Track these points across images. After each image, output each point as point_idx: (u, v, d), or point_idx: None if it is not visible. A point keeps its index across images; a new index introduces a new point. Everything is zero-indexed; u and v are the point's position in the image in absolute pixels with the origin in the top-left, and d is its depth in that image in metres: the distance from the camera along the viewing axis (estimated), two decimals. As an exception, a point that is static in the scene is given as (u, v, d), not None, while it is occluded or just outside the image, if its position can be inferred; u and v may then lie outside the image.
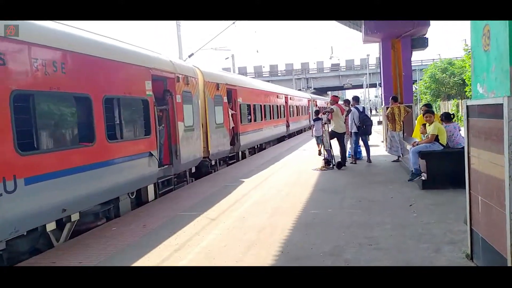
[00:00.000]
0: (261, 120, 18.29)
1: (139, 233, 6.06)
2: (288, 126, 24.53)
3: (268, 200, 7.73)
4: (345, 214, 6.41)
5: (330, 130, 11.51)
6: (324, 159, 11.47)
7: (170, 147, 9.34)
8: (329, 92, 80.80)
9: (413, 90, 20.82)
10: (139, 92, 7.93)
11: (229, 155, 13.40)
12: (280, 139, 22.70)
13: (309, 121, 26.99)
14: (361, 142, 12.27)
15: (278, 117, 22.11)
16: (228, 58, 40.15)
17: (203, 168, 11.67)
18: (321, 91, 74.49)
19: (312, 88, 68.28)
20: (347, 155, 11.69)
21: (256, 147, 17.57)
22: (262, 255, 4.83)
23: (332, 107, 11.43)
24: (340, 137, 11.43)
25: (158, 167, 8.54)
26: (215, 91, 12.38)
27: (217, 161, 12.64)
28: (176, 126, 9.40)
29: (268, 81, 54.01)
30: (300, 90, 55.04)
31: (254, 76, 70.21)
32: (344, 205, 7.05)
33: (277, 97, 22.46)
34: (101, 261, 4.94)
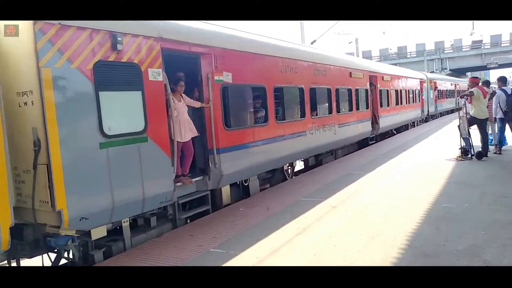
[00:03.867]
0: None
1: (263, 214, 6.40)
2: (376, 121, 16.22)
3: (394, 190, 7.33)
4: (485, 211, 5.70)
5: (469, 115, 10.26)
6: (461, 148, 10.31)
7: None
8: (468, 73, 71.70)
9: None
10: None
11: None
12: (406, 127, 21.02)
13: (421, 110, 23.23)
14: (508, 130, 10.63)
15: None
16: (351, 42, 38.83)
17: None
18: (458, 73, 66.50)
19: (448, 69, 61.40)
20: (489, 143, 10.28)
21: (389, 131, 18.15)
22: (386, 246, 4.64)
23: (472, 90, 10.14)
24: (481, 124, 10.10)
25: None
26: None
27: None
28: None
29: (395, 64, 50.51)
30: (433, 72, 50.12)
31: (379, 59, 66.34)
32: (485, 201, 6.26)
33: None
34: (230, 237, 5.40)
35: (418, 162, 10.08)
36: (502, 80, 11.01)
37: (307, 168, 10.95)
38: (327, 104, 11.12)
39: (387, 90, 16.75)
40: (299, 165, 11.07)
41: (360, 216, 5.93)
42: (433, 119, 26.72)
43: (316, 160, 11.15)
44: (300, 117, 9.56)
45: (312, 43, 19.66)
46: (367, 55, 66.73)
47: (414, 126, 21.82)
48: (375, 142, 15.45)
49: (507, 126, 10.45)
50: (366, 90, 14.20)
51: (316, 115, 10.38)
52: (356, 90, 13.13)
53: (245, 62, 7.69)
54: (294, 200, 7.14)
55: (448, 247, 4.47)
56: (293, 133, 9.15)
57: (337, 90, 11.52)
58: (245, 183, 7.84)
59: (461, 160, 9.85)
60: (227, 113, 7.07)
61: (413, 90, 21.28)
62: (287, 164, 9.59)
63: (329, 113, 11.11)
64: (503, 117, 10.27)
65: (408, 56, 69.39)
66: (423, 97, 23.77)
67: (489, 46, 65.37)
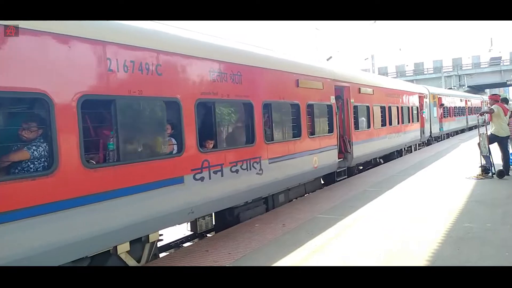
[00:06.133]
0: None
1: (279, 231, 6.35)
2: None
3: (412, 208, 7.19)
4: (508, 232, 5.53)
5: (489, 133, 10.07)
6: (481, 166, 10.08)
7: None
8: (487, 90, 70.60)
9: None
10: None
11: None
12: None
13: (421, 132, 18.93)
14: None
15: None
16: (367, 58, 38.86)
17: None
18: (476, 89, 65.57)
19: (466, 86, 60.63)
20: (510, 162, 10.04)
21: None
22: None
23: (492, 107, 9.97)
24: (502, 142, 9.89)
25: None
26: None
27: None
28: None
29: (412, 80, 50.11)
30: (450, 88, 49.52)
31: (395, 76, 66.00)
32: (507, 221, 6.08)
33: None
34: (247, 254, 5.35)
35: (437, 180, 9.88)
36: (524, 97, 10.79)
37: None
38: (245, 129, 7.02)
39: (367, 107, 12.47)
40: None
41: (377, 234, 5.82)
42: (438, 141, 22.84)
43: (232, 215, 7.04)
44: (176, 153, 5.51)
45: (328, 59, 19.70)
46: (383, 72, 66.46)
47: (412, 151, 18.03)
48: (346, 177, 11.02)
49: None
50: (329, 106, 9.92)
51: (215, 146, 6.25)
52: (310, 106, 8.93)
53: None
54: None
55: (470, 269, 4.33)
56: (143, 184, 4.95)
57: (267, 106, 7.45)
58: None
59: (482, 179, 9.62)
60: None
61: (409, 107, 17.08)
62: None
63: (249, 143, 6.95)
64: (525, 135, 10.05)
65: (425, 72, 68.88)
66: (423, 116, 19.53)
67: (508, 63, 64.41)
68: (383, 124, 13.79)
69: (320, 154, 9.30)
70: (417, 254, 4.85)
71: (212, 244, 5.93)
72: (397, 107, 15.43)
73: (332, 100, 10.15)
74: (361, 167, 13.05)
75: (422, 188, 9.07)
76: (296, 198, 9.02)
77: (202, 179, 5.83)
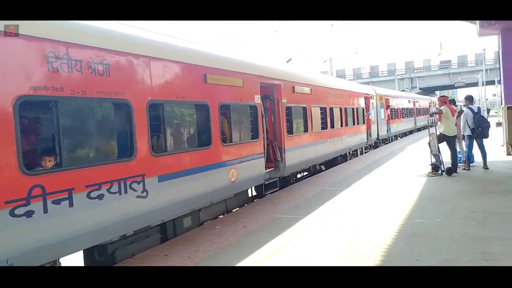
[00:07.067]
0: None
1: (240, 233, 6.35)
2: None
3: (367, 207, 7.44)
4: (456, 226, 5.86)
5: (438, 133, 10.63)
6: (432, 164, 10.62)
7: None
8: (437, 92, 74.49)
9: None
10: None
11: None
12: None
13: (367, 134, 17.86)
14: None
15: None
16: (326, 61, 39.84)
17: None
18: (427, 91, 69.02)
19: (418, 88, 63.69)
20: (458, 160, 10.66)
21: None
22: (364, 265, 4.67)
23: (441, 108, 10.55)
24: (451, 141, 10.48)
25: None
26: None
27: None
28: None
29: (368, 83, 51.92)
30: (403, 90, 51.74)
31: (352, 78, 68.12)
32: (455, 215, 6.44)
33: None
34: (208, 256, 5.31)
35: (391, 179, 10.29)
36: (469, 99, 11.49)
37: None
38: (118, 137, 5.26)
39: (304, 108, 11.06)
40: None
41: (335, 234, 5.97)
42: (386, 143, 22.16)
43: (104, 255, 5.37)
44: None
45: (288, 61, 19.90)
46: (341, 74, 68.45)
47: (357, 155, 16.88)
48: (278, 190, 9.65)
49: (474, 143, 10.88)
50: (253, 107, 8.42)
51: (59, 164, 4.49)
52: (224, 107, 7.51)
53: None
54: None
55: (421, 263, 4.54)
56: None
57: (157, 106, 5.86)
58: None
59: (432, 176, 10.13)
60: None
61: (354, 108, 16.01)
62: None
63: (125, 157, 5.27)
64: (471, 134, 10.70)
65: (380, 75, 71.67)
66: (370, 117, 18.58)
67: (456, 66, 68.41)
68: (324, 127, 12.55)
69: (240, 165, 7.78)
70: (371, 251, 5.02)
71: (171, 248, 5.83)
72: (340, 108, 14.29)
73: (257, 100, 8.54)
74: (301, 175, 12.14)
75: (377, 186, 9.41)
76: (215, 218, 7.49)
77: (28, 214, 4.07)
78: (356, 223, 6.41)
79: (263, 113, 8.95)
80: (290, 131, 10.10)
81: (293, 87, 10.46)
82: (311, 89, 11.59)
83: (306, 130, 11.14)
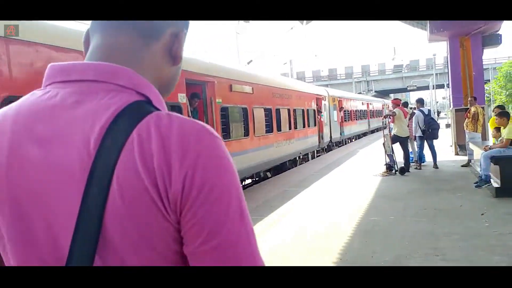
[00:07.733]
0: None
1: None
2: None
3: (325, 206, 7.61)
4: (408, 223, 6.12)
5: (392, 134, 11.08)
6: (386, 164, 11.06)
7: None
8: (391, 95, 77.75)
9: (485, 90, 18.98)
10: None
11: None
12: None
13: (319, 137, 17.17)
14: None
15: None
16: (286, 63, 40.39)
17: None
18: (382, 94, 71.89)
19: (373, 91, 66.17)
20: (410, 160, 11.17)
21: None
22: (323, 262, 4.77)
23: (394, 110, 11.02)
24: (403, 142, 10.96)
25: None
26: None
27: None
28: None
29: (326, 85, 53.22)
30: (360, 93, 53.53)
31: (312, 80, 69.60)
32: (407, 213, 6.73)
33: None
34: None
35: (348, 179, 10.60)
36: (420, 102, 12.06)
37: None
38: None
39: (244, 109, 10.06)
40: None
41: (296, 232, 6.05)
42: (339, 146, 21.42)
43: None
44: None
45: (248, 63, 20.01)
46: (301, 76, 69.74)
47: (309, 160, 15.92)
48: None
49: (425, 143, 11.44)
50: (177, 108, 7.08)
51: None
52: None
53: None
54: None
55: (376, 259, 4.70)
56: None
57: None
58: None
59: (387, 176, 10.54)
60: None
61: (304, 110, 15.09)
62: None
63: None
64: (422, 135, 11.25)
65: (338, 78, 73.84)
66: (322, 119, 17.63)
67: (408, 70, 71.81)
68: (269, 130, 11.49)
69: None
70: (329, 248, 5.14)
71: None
72: (289, 110, 13.25)
73: (182, 99, 7.42)
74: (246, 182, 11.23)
75: (334, 186, 9.65)
76: None
77: None
78: (316, 221, 6.52)
79: (190, 114, 7.81)
80: (226, 135, 9.03)
81: (231, 85, 9.39)
82: (253, 88, 10.59)
83: (247, 134, 10.06)
